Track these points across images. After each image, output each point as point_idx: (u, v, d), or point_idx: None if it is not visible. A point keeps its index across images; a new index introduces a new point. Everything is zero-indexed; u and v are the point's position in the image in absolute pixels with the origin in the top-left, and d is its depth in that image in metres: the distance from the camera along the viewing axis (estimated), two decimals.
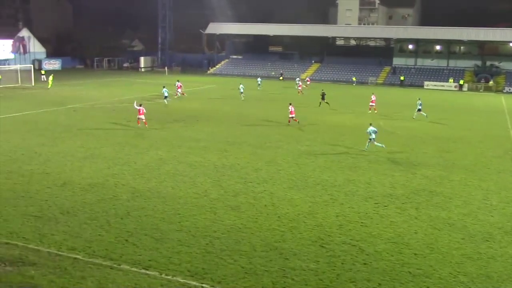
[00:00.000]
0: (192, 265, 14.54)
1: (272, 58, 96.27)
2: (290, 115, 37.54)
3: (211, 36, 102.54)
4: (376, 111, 45.25)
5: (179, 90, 53.31)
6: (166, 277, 13.81)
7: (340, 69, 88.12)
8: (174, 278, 13.77)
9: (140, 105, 35.51)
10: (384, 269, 14.67)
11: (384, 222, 18.40)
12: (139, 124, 35.35)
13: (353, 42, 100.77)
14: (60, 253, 15.03)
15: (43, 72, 70.95)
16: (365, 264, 14.96)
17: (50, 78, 61.90)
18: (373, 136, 29.69)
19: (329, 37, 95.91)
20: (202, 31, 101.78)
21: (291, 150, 29.78)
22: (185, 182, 22.63)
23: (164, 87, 48.10)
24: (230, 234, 16.84)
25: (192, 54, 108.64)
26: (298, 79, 70.91)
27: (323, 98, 49.16)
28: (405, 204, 20.41)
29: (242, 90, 54.28)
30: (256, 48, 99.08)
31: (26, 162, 25.18)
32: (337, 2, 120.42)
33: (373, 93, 47.13)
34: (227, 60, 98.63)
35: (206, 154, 28.10)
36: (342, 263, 14.95)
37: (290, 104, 38.36)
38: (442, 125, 40.99)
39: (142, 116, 34.90)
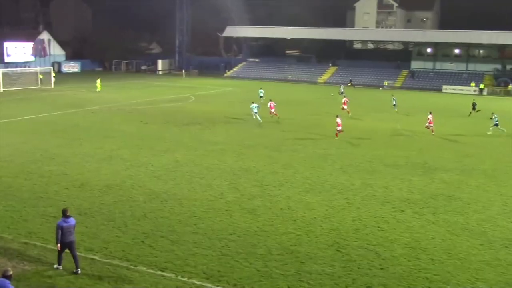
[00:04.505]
0: (207, 267, 14.57)
1: (289, 61, 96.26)
2: (338, 128, 34.62)
3: (228, 39, 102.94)
4: (433, 133, 37.16)
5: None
6: (182, 279, 13.86)
7: (357, 73, 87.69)
8: (190, 280, 13.81)
9: (270, 100, 40.69)
10: (401, 274, 14.54)
11: (401, 227, 18.25)
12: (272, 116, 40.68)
13: (370, 46, 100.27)
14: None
15: (53, 74, 69.49)
16: (381, 269, 14.84)
17: (98, 81, 60.76)
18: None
19: (346, 41, 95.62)
20: (219, 34, 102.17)
21: (307, 153, 29.70)
22: (201, 184, 22.71)
23: (253, 102, 41.85)
24: (246, 237, 16.84)
25: (209, 57, 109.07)
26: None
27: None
28: (423, 209, 20.22)
29: (395, 102, 50.77)
30: (273, 51, 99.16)
31: (45, 163, 25.51)
32: (354, 5, 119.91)
33: (430, 112, 38.89)
34: (244, 63, 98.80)
35: (222, 156, 28.17)
36: (358, 268, 14.85)
37: (338, 116, 35.71)
38: (461, 130, 40.52)
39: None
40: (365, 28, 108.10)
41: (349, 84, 79.20)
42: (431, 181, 24.36)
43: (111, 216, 18.37)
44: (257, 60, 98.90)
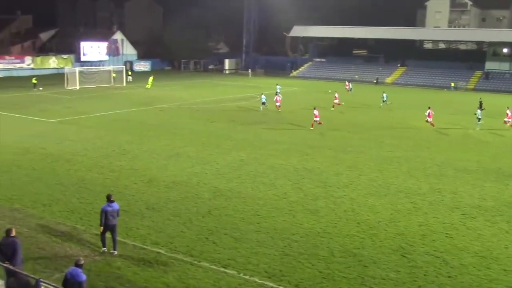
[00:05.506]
0: (269, 266, 14.62)
1: (356, 61, 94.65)
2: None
3: (295, 39, 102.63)
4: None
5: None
6: (244, 276, 13.99)
7: (427, 74, 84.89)
8: (252, 278, 13.92)
9: (314, 108, 37.83)
10: (470, 284, 13.96)
11: (472, 234, 17.51)
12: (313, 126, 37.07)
13: (442, 46, 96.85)
14: (144, 246, 15.69)
15: (129, 73, 73.35)
16: (449, 277, 14.31)
17: (150, 79, 64.31)
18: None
19: (417, 40, 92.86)
20: (286, 34, 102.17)
21: (373, 156, 29.13)
22: (265, 183, 22.82)
23: (262, 94, 47.76)
24: (308, 238, 16.76)
25: (275, 56, 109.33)
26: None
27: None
28: (495, 217, 19.31)
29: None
30: (340, 51, 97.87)
31: (116, 158, 26.55)
32: (426, 4, 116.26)
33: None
34: (310, 63, 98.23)
35: (286, 156, 28.16)
36: (425, 275, 14.40)
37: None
38: None
39: (317, 118, 37.20)
40: (437, 28, 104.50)
41: (375, 82, 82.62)
42: (505, 188, 23.21)
43: (176, 212, 18.84)
44: (323, 60, 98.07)
